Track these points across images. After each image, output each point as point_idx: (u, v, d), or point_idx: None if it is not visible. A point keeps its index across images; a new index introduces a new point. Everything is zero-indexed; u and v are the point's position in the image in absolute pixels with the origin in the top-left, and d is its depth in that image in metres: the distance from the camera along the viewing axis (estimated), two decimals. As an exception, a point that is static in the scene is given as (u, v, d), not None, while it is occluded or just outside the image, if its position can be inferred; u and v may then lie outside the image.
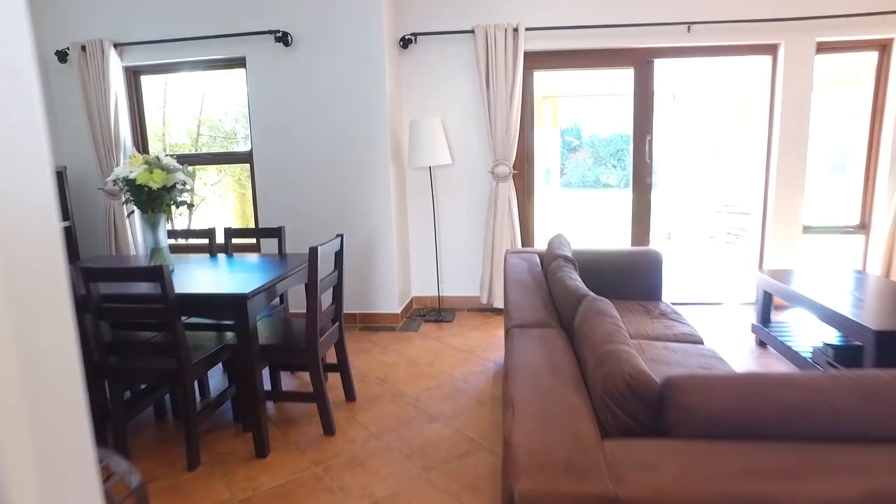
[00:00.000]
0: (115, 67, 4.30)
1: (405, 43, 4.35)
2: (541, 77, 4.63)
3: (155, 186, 2.69)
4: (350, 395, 3.11)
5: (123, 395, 2.60)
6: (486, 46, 4.18)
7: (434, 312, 4.63)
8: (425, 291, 4.82)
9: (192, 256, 3.39)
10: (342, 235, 2.96)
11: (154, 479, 2.45)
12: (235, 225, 5.99)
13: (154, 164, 2.74)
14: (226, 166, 5.68)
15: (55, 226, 0.58)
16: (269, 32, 4.06)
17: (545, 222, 5.98)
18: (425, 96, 4.48)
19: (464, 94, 4.42)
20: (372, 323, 4.46)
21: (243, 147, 4.71)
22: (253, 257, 3.30)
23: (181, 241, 4.68)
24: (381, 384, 3.32)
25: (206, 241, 3.73)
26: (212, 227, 3.54)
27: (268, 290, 2.64)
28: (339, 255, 2.98)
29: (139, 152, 4.68)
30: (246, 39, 4.16)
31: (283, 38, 4.05)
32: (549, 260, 2.65)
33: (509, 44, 4.15)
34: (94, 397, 2.59)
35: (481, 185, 4.53)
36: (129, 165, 2.72)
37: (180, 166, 2.83)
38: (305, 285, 2.80)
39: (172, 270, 2.94)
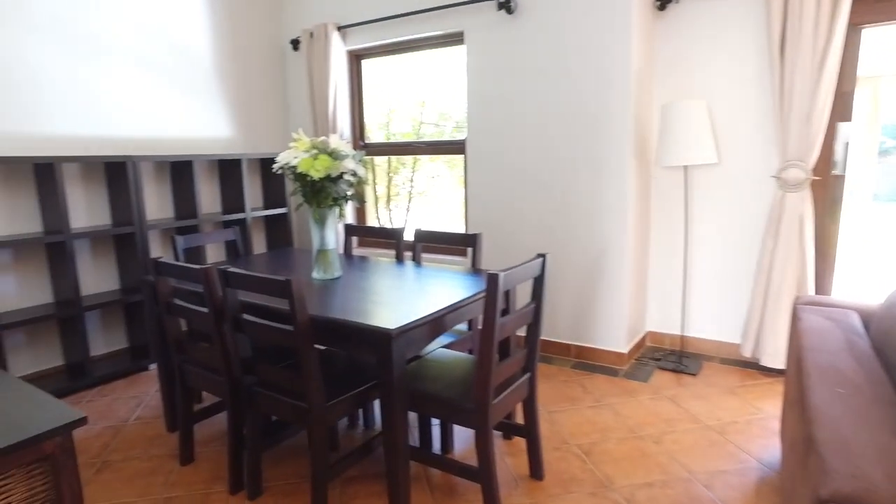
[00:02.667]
0: (337, 51, 4.10)
1: (663, 4, 3.30)
2: (867, 39, 3.14)
3: (317, 176, 2.20)
4: (536, 469, 2.28)
5: (259, 420, 2.17)
6: (785, -4, 2.91)
7: (673, 358, 3.50)
8: (664, 327, 3.71)
9: (378, 261, 2.90)
10: (545, 256, 2.13)
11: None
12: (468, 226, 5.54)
13: (321, 149, 2.26)
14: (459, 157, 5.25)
15: None
16: (491, -2, 3.41)
17: (852, 250, 4.30)
18: (686, 72, 3.36)
19: (743, 67, 3.19)
20: (589, 360, 3.54)
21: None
22: (440, 269, 2.66)
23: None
24: (581, 460, 2.41)
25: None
26: (400, 227, 3.02)
27: (432, 322, 1.95)
28: (538, 283, 2.16)
29: (360, 140, 4.48)
30: (465, 10, 3.56)
31: (506, 5, 3.35)
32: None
33: (825, -11, 2.81)
34: (233, 419, 2.21)
35: (758, 195, 3.26)
36: (294, 150, 2.28)
37: (351, 152, 2.31)
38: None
39: (337, 279, 2.46)
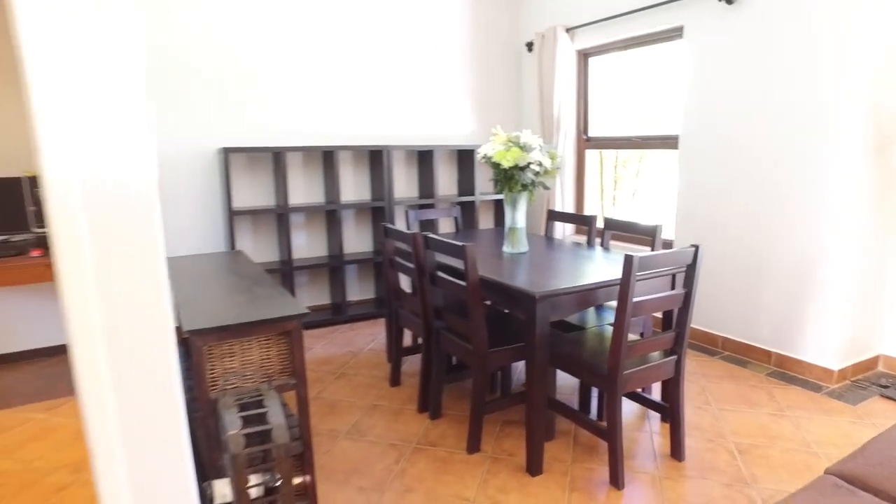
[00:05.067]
0: (564, 52, 4.43)
1: (928, -19, 2.89)
2: None
3: (506, 165, 2.64)
4: (676, 450, 2.40)
5: (443, 357, 2.72)
6: None
7: (900, 386, 3.09)
8: (902, 353, 3.27)
9: (569, 244, 3.23)
10: (697, 247, 2.24)
11: (429, 445, 2.51)
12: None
13: (514, 142, 2.69)
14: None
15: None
16: (712, -8, 3.39)
17: None
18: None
19: None
20: (790, 370, 3.33)
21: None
22: (617, 253, 2.88)
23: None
24: (732, 455, 2.43)
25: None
26: (593, 214, 3.29)
27: (579, 293, 2.25)
28: (690, 271, 2.28)
29: (583, 134, 4.77)
30: (684, 4, 3.59)
31: (726, -2, 3.31)
32: None
33: None
34: (425, 355, 2.81)
35: None
36: (493, 143, 2.75)
37: (538, 145, 2.69)
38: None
39: (523, 253, 2.87)
